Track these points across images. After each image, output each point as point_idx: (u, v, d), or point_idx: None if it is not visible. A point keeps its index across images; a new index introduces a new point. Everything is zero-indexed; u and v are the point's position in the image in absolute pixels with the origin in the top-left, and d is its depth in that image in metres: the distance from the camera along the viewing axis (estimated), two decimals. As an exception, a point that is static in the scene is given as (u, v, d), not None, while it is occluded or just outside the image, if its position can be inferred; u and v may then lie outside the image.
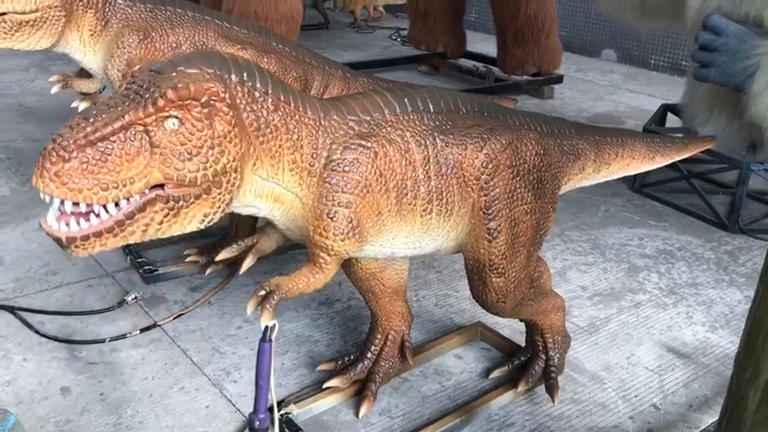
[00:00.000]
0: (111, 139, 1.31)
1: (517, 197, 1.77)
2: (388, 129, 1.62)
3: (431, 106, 1.70)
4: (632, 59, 6.41)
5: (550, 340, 2.13)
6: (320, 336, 2.42)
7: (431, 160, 1.65)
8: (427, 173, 1.65)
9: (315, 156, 1.53)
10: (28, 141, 4.05)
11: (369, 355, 2.11)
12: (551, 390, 2.10)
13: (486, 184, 1.72)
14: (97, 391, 2.10)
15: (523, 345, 2.28)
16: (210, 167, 1.38)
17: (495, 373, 2.21)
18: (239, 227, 2.75)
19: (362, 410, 2.03)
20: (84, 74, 2.75)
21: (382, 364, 2.10)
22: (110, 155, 1.31)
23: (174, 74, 1.36)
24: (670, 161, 2.27)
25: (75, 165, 1.28)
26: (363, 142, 1.57)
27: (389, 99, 1.65)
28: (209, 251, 2.76)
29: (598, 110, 5.14)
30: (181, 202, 1.40)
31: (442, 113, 1.71)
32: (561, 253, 3.03)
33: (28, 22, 2.25)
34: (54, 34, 2.31)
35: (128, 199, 1.35)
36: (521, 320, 2.19)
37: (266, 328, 1.60)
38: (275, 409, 1.72)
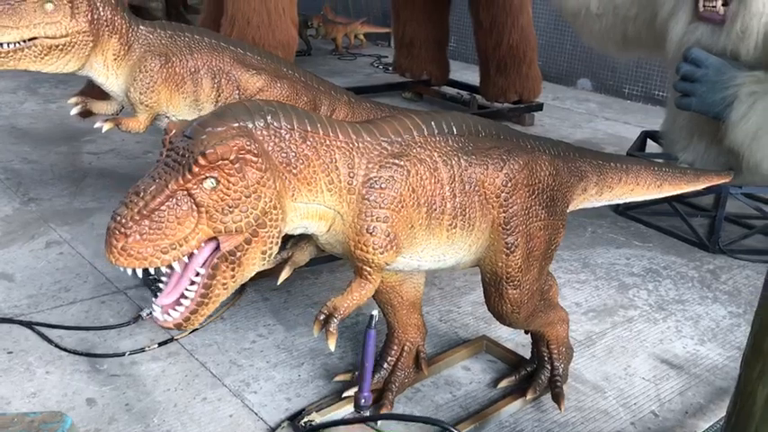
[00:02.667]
0: (161, 208, 1.44)
1: (532, 214, 1.90)
2: (418, 149, 1.74)
3: (454, 129, 1.83)
4: (607, 89, 6.66)
5: (555, 351, 2.26)
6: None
7: (456, 179, 1.78)
8: (453, 190, 1.78)
9: (352, 174, 1.65)
10: (25, 162, 4.09)
11: (385, 365, 2.21)
12: (558, 398, 2.22)
13: (505, 201, 1.85)
14: (122, 402, 2.17)
15: (525, 357, 2.41)
16: (251, 213, 1.50)
17: (503, 383, 2.32)
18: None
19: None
20: (89, 93, 2.84)
21: (398, 374, 2.20)
22: (163, 222, 1.44)
23: (203, 136, 1.47)
24: (679, 191, 2.42)
25: (135, 237, 1.42)
26: (397, 161, 1.69)
27: (418, 122, 1.78)
28: (218, 269, 2.84)
29: (577, 136, 5.34)
30: (238, 254, 1.52)
31: (464, 136, 1.84)
32: (554, 271, 3.16)
33: (57, 46, 2.34)
34: (81, 58, 2.40)
35: (189, 256, 1.49)
36: (527, 332, 2.32)
37: (371, 317, 1.84)
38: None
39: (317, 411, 2.12)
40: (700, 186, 2.56)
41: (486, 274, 1.97)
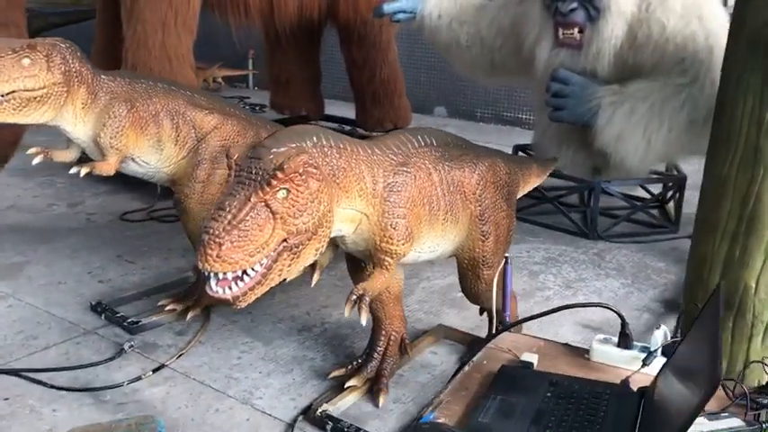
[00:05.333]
0: (246, 219, 1.69)
1: (498, 206, 2.32)
2: (415, 159, 2.10)
3: (434, 141, 2.21)
4: (461, 114, 7.37)
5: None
6: (313, 354, 2.77)
7: (444, 181, 2.16)
8: (443, 190, 2.15)
9: (375, 182, 1.97)
10: (-76, 226, 3.94)
11: (375, 355, 2.51)
12: (518, 363, 2.63)
13: (480, 196, 2.25)
14: (142, 424, 2.30)
15: (478, 336, 2.81)
16: (315, 216, 1.79)
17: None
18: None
19: (381, 401, 2.41)
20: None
21: (388, 361, 2.51)
22: (248, 230, 1.69)
23: (270, 156, 1.75)
24: (545, 177, 2.99)
25: (228, 246, 1.66)
26: (405, 168, 2.04)
27: (409, 137, 2.14)
28: (182, 300, 3.01)
29: (449, 156, 5.91)
30: (300, 246, 1.80)
31: (441, 146, 2.23)
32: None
33: (35, 98, 2.44)
34: (56, 108, 2.52)
35: (267, 257, 1.74)
36: (482, 313, 2.73)
37: (506, 258, 2.27)
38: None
39: (326, 402, 2.37)
40: (549, 171, 3.13)
41: (464, 260, 2.35)
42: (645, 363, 1.58)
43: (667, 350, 1.59)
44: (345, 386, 2.45)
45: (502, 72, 4.67)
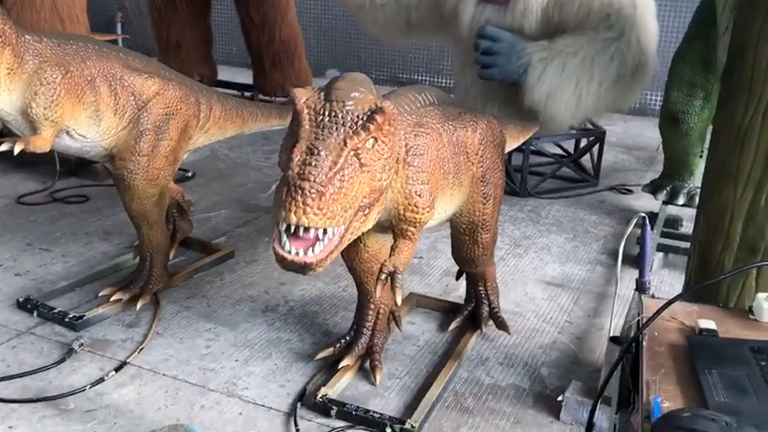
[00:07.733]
0: (344, 167, 1.49)
1: (495, 166, 2.22)
2: (426, 119, 1.95)
3: (435, 100, 2.06)
4: (354, 76, 7.18)
5: (490, 287, 2.60)
6: (288, 335, 2.57)
7: (451, 141, 2.02)
8: (450, 152, 2.01)
9: (400, 145, 1.80)
10: None
11: (365, 330, 2.35)
12: (504, 326, 2.57)
13: (481, 157, 2.14)
14: (123, 430, 2.02)
15: (452, 302, 2.74)
16: (391, 171, 1.63)
17: (453, 325, 2.61)
18: (154, 257, 2.72)
19: (378, 378, 2.28)
20: None
21: (379, 336, 2.36)
22: (345, 180, 1.49)
23: (353, 102, 1.55)
24: (523, 140, 2.92)
25: (328, 196, 1.45)
26: (422, 129, 1.88)
27: (415, 94, 1.98)
28: (126, 287, 2.70)
29: (355, 120, 5.75)
30: (371, 208, 1.62)
31: (441, 104, 2.08)
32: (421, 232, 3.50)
33: (-45, 62, 2.03)
34: (-17, 74, 2.12)
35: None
36: (458, 279, 2.65)
37: (644, 217, 1.91)
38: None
39: (323, 386, 2.20)
40: (528, 136, 3.08)
41: (461, 225, 2.24)
42: None
43: None
44: (339, 366, 2.28)
45: (419, 31, 4.55)
